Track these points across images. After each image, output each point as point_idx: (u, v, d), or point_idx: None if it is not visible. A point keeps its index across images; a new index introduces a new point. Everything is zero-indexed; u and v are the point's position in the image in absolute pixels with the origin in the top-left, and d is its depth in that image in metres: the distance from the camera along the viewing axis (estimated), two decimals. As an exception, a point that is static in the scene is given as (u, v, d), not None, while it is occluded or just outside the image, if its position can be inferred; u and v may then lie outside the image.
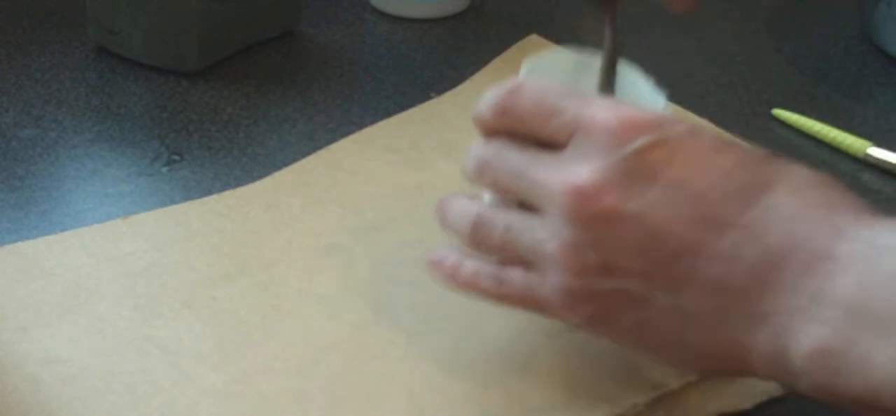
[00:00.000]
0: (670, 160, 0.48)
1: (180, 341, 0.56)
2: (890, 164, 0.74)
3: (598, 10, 0.59)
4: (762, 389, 0.56)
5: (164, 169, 0.69)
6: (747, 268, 0.47)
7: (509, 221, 0.52)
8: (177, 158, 0.70)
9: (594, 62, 0.60)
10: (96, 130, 0.72)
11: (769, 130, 0.78)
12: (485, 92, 0.53)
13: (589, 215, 0.48)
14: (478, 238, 0.53)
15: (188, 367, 0.55)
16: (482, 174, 0.53)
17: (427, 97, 0.78)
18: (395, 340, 0.58)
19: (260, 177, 0.68)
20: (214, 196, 0.66)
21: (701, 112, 0.78)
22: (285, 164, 0.70)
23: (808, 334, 0.46)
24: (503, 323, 0.59)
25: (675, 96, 0.80)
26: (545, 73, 0.60)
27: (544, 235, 0.50)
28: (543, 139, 0.51)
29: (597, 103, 0.50)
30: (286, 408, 0.53)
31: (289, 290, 0.60)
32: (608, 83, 0.59)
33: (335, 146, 0.72)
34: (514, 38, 0.85)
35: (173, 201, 0.66)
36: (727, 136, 0.51)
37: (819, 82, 0.84)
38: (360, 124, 0.74)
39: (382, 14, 0.88)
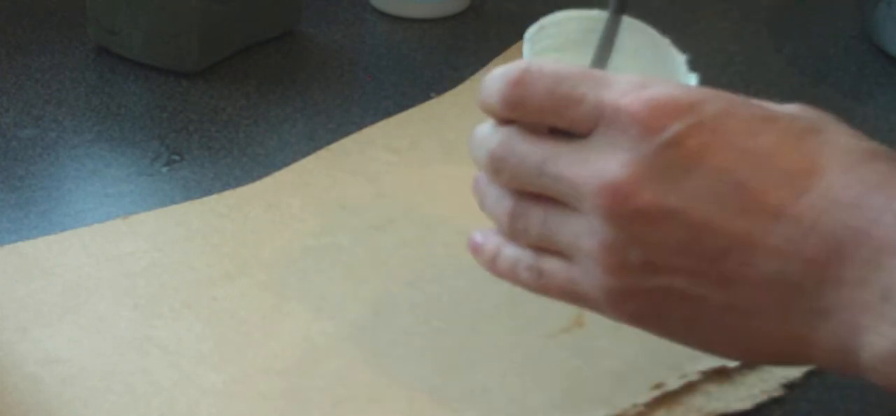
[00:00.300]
0: (708, 146, 0.45)
1: (180, 341, 0.56)
2: (890, 164, 0.74)
3: None
4: (762, 389, 0.56)
5: (164, 169, 0.69)
6: (804, 261, 0.44)
7: (546, 214, 0.48)
8: (177, 158, 0.70)
9: (596, 22, 0.57)
10: (96, 130, 0.72)
11: (769, 130, 0.78)
12: (489, 75, 0.50)
13: (626, 214, 0.45)
14: (515, 231, 0.49)
15: (188, 367, 0.55)
16: (498, 172, 0.49)
17: (427, 97, 0.78)
18: (394, 340, 0.58)
19: (260, 177, 0.68)
20: (214, 196, 0.66)
21: (701, 112, 0.78)
22: (285, 164, 0.70)
23: (883, 335, 0.43)
24: (503, 323, 0.59)
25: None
26: (553, 36, 0.57)
27: (581, 231, 0.47)
28: (562, 129, 0.48)
29: (618, 86, 0.46)
30: (286, 408, 0.53)
31: (289, 290, 0.60)
32: (605, 51, 0.56)
33: (335, 146, 0.72)
34: (514, 38, 0.85)
35: (173, 201, 0.66)
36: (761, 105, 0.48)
37: (819, 82, 0.84)
38: (360, 124, 0.74)
39: (382, 14, 0.88)
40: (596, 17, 0.57)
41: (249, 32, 0.81)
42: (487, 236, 0.51)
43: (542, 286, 0.49)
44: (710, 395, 0.55)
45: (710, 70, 0.85)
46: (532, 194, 0.49)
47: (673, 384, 0.55)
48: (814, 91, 0.83)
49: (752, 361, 0.51)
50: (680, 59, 0.55)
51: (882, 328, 0.43)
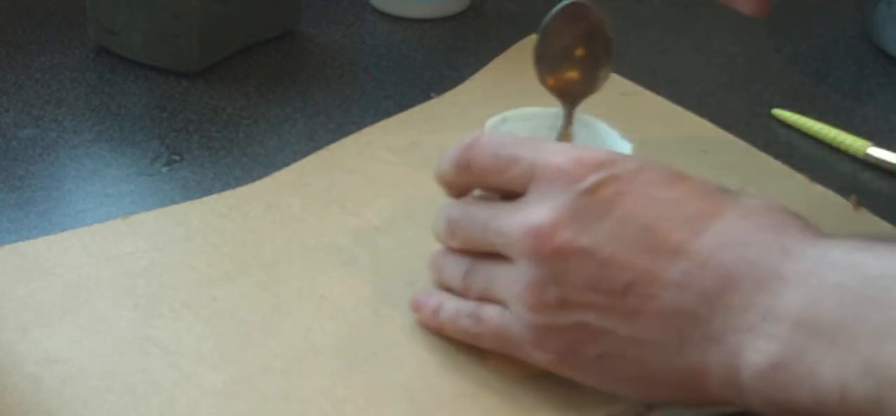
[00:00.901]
0: (621, 195, 0.50)
1: (180, 341, 0.56)
2: (890, 164, 0.74)
3: (561, 101, 0.61)
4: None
5: (164, 169, 0.69)
6: (698, 292, 0.48)
7: (490, 267, 0.54)
8: (177, 158, 0.70)
9: (557, 119, 0.61)
10: (96, 130, 0.72)
11: (769, 130, 0.78)
12: (449, 148, 0.56)
13: (546, 253, 0.50)
14: (466, 286, 0.55)
15: (188, 367, 0.55)
16: (452, 235, 0.56)
17: (427, 97, 0.78)
18: (395, 340, 0.58)
19: (260, 177, 0.69)
20: (214, 196, 0.66)
21: (701, 112, 0.78)
22: (285, 164, 0.70)
23: (758, 350, 0.47)
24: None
25: (675, 96, 0.81)
26: (510, 129, 0.62)
27: (513, 276, 0.52)
28: (503, 188, 0.53)
29: (551, 148, 0.52)
30: (286, 408, 0.53)
31: (289, 290, 0.60)
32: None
33: (335, 146, 0.72)
34: (514, 38, 0.85)
35: (173, 201, 0.66)
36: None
37: (819, 82, 0.84)
38: (360, 124, 0.74)
39: (382, 14, 0.88)
40: (555, 115, 0.62)
41: (249, 32, 0.81)
42: (429, 294, 0.57)
43: (479, 333, 0.55)
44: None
45: (710, 70, 0.85)
46: (484, 254, 0.54)
47: (673, 384, 0.55)
48: (814, 91, 0.83)
49: (655, 398, 0.53)
50: (628, 147, 0.60)
51: (758, 344, 0.47)
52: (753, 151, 0.75)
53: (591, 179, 0.50)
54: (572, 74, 0.61)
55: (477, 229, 0.54)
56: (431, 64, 0.82)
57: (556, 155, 0.51)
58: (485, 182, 0.55)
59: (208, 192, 0.67)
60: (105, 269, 0.60)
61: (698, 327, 0.48)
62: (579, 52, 0.61)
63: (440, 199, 0.68)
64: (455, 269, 0.56)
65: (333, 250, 0.63)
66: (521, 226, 0.51)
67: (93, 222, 0.64)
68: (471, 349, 0.57)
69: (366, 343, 0.57)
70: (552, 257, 0.50)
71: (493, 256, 0.54)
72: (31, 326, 0.56)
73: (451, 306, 0.56)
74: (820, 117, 0.78)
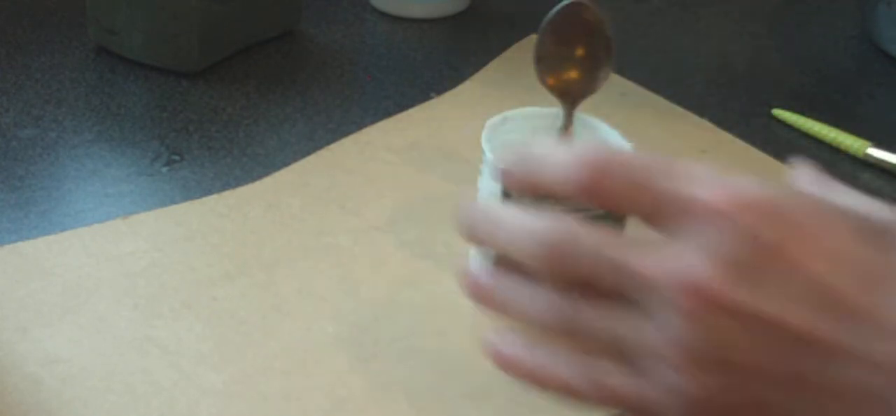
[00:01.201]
0: (793, 245, 0.42)
1: (180, 341, 0.56)
2: (889, 164, 0.74)
3: (561, 101, 0.61)
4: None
5: (164, 169, 0.69)
6: (890, 371, 0.41)
7: (606, 313, 0.44)
8: (177, 158, 0.70)
9: (556, 119, 0.61)
10: (96, 130, 0.72)
11: (769, 130, 0.78)
12: (548, 155, 0.45)
13: (711, 313, 0.42)
14: (568, 329, 0.45)
15: (188, 367, 0.55)
16: (554, 261, 0.44)
17: (427, 97, 0.78)
18: (395, 340, 0.58)
19: (260, 177, 0.69)
20: (214, 196, 0.67)
21: (701, 112, 0.78)
22: (285, 164, 0.70)
23: None
24: (503, 323, 0.58)
25: (675, 96, 0.80)
26: (514, 131, 0.61)
27: (655, 333, 0.43)
28: (635, 217, 0.44)
29: (698, 179, 0.43)
30: (286, 408, 0.53)
31: (289, 290, 0.60)
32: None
33: (335, 146, 0.72)
34: (514, 38, 0.85)
35: (173, 201, 0.66)
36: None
37: (819, 82, 0.84)
38: (360, 124, 0.74)
39: (382, 14, 0.88)
40: (555, 115, 0.61)
41: (249, 32, 0.81)
42: (507, 336, 0.47)
43: (602, 398, 0.45)
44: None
45: (710, 70, 0.85)
46: (583, 292, 0.45)
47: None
48: (814, 91, 0.83)
49: None
50: (625, 146, 0.59)
51: None
52: (753, 151, 0.75)
53: (755, 224, 0.42)
54: (572, 74, 0.61)
55: (597, 261, 0.44)
56: (431, 64, 0.82)
57: (709, 190, 0.42)
58: (613, 209, 0.45)
59: (208, 192, 0.67)
60: (105, 269, 0.60)
61: (888, 412, 0.41)
62: (579, 52, 0.61)
63: (441, 199, 0.68)
64: (544, 305, 0.45)
65: (333, 250, 0.63)
66: (672, 274, 0.42)
67: (93, 222, 0.64)
68: (471, 349, 0.57)
69: (366, 343, 0.57)
70: (719, 319, 0.41)
71: (603, 296, 0.44)
72: (31, 326, 0.56)
73: (562, 371, 0.45)
74: (820, 117, 0.78)
